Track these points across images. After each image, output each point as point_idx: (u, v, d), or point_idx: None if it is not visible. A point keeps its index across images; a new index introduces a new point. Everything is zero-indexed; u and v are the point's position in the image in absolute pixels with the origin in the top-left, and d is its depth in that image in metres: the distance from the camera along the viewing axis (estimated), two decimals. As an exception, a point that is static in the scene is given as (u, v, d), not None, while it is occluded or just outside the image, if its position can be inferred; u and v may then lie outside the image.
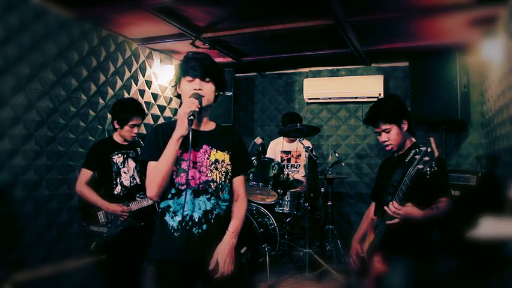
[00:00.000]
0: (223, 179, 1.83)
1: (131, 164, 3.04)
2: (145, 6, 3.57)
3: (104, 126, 4.26)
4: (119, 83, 4.51)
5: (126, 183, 3.00)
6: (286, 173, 4.47)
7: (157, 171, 1.71)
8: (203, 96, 1.77)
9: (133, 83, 4.74)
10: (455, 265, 3.26)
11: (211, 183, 1.80)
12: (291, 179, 4.65)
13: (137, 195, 3.01)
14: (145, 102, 4.92)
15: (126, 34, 4.49)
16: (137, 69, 4.80)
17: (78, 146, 3.96)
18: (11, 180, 3.33)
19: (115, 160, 2.97)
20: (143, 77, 4.93)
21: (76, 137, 3.94)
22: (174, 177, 1.77)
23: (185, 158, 1.75)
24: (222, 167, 1.83)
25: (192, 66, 1.78)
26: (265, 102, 6.25)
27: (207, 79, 1.79)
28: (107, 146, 3.01)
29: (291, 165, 4.88)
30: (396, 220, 2.04)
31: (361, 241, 2.45)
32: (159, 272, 1.80)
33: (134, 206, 2.96)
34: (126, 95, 4.59)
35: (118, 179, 2.98)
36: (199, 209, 1.77)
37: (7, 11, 3.22)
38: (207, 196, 1.79)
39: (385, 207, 2.06)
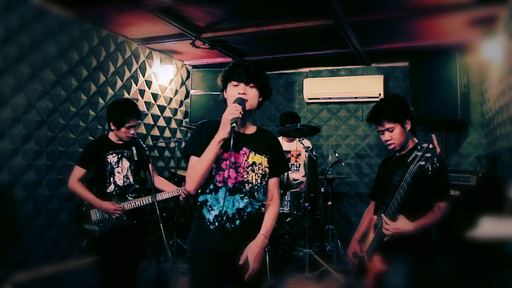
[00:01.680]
0: (259, 181, 1.94)
1: (126, 163, 3.03)
2: (145, 6, 3.57)
3: (104, 126, 4.26)
4: (119, 83, 4.51)
5: (119, 182, 3.00)
6: (286, 173, 4.46)
7: (197, 168, 1.84)
8: (246, 101, 1.88)
9: (133, 83, 4.74)
10: (455, 265, 3.26)
11: (246, 184, 1.91)
12: (291, 179, 4.65)
13: (130, 195, 3.02)
14: (145, 102, 4.93)
15: (126, 34, 4.49)
16: (137, 69, 4.80)
17: (78, 146, 3.96)
18: (11, 180, 3.33)
19: (109, 160, 2.96)
20: (143, 77, 4.92)
21: (76, 137, 3.94)
22: (213, 174, 1.89)
23: (226, 158, 1.87)
24: (259, 169, 1.94)
25: (237, 72, 1.90)
26: (265, 102, 6.23)
27: (251, 84, 1.91)
28: (103, 145, 3.00)
29: (291, 164, 4.87)
30: (388, 235, 2.10)
31: (360, 241, 2.45)
32: (194, 260, 1.96)
33: (126, 205, 2.96)
34: (126, 95, 4.59)
35: (112, 178, 2.97)
36: (233, 206, 1.90)
37: (7, 11, 3.22)
38: (241, 195, 1.90)
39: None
